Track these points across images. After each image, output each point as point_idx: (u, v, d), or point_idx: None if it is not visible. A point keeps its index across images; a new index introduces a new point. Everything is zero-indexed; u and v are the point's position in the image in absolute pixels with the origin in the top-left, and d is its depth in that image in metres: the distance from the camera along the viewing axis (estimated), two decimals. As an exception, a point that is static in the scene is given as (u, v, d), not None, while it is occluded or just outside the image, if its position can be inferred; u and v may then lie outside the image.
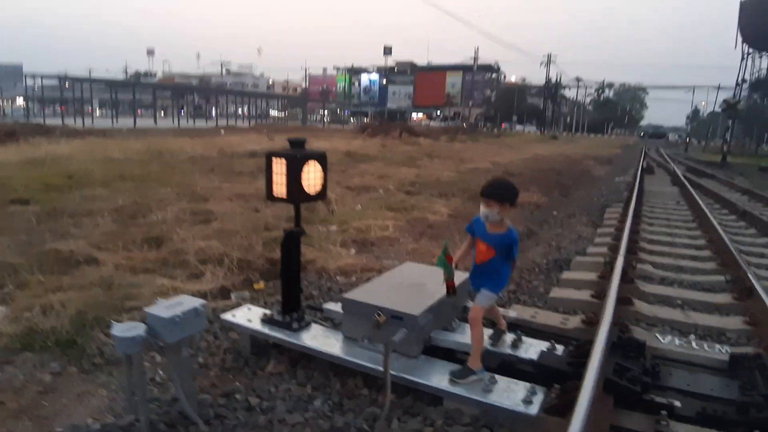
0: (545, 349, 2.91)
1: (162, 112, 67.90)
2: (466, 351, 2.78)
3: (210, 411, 2.65)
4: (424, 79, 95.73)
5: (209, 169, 12.31)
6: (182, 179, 10.41)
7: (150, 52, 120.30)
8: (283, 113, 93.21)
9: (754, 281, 4.33)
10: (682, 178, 15.31)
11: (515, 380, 2.59)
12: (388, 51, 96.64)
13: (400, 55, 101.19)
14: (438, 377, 2.62)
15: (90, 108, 49.35)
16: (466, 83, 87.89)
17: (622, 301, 3.85)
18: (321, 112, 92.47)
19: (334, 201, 8.56)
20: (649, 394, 2.57)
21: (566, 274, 4.89)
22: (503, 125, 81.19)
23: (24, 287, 4.40)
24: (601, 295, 3.94)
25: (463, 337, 2.98)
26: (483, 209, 2.73)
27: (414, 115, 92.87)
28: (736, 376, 2.87)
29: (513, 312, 3.59)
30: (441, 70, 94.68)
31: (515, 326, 3.36)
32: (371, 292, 3.08)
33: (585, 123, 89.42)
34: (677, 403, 2.52)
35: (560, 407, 2.39)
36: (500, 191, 2.73)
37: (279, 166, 3.02)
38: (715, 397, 2.67)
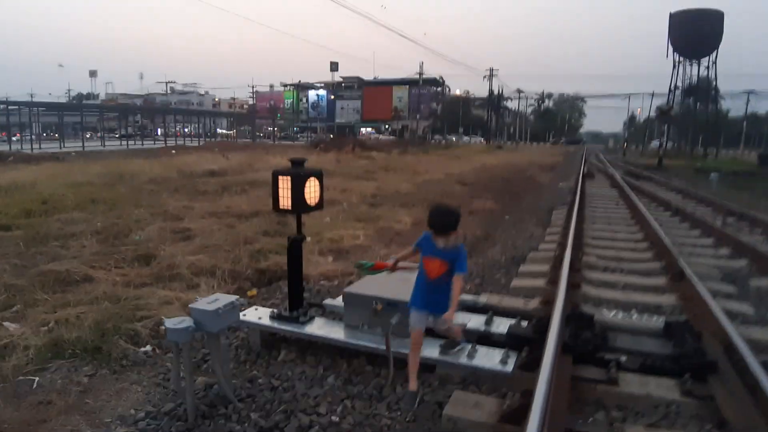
0: (513, 324, 3.54)
1: (104, 133, 66.33)
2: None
3: (241, 392, 3.14)
4: (371, 93, 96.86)
5: (174, 190, 12.53)
6: (151, 200, 10.65)
7: (92, 74, 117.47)
8: (231, 131, 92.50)
9: (685, 266, 5.09)
10: (621, 181, 16.47)
11: (492, 348, 3.19)
12: (334, 67, 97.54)
13: (346, 71, 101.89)
14: (430, 350, 3.18)
15: (32, 133, 47.82)
16: (413, 97, 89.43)
17: (572, 285, 4.53)
18: (270, 128, 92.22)
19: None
20: (600, 353, 3.22)
21: (523, 267, 5.57)
22: (449, 137, 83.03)
23: (32, 305, 4.71)
24: (554, 282, 4.60)
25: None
26: (439, 241, 2.87)
27: (363, 129, 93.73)
28: (670, 337, 3.55)
29: (483, 298, 4.21)
30: (387, 84, 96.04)
31: (487, 309, 3.97)
32: (367, 286, 3.63)
33: (527, 132, 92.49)
34: (623, 358, 3.18)
35: (530, 364, 2.99)
36: (453, 223, 2.89)
37: (285, 183, 3.54)
38: (653, 353, 3.34)
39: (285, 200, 3.57)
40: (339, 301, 3.91)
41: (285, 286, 5.23)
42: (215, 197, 11.60)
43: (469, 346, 3.17)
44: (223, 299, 2.91)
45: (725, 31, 60.23)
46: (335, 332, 3.53)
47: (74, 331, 3.99)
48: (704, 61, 61.77)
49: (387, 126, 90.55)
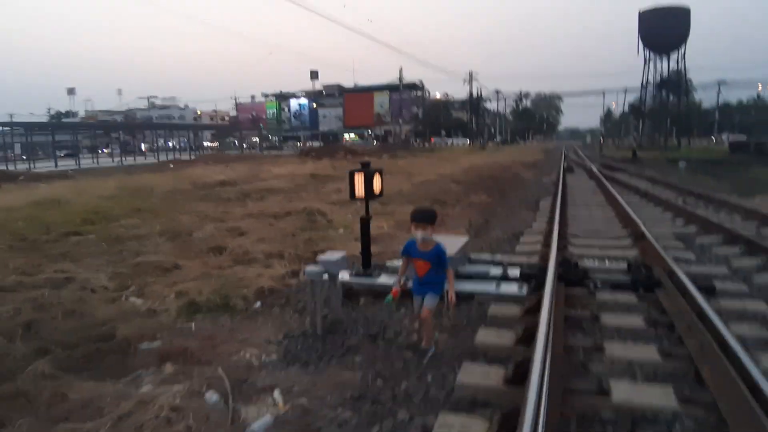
0: (522, 267, 5.10)
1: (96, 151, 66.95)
2: (479, 275, 4.90)
3: (345, 320, 4.64)
4: (352, 100, 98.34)
5: (200, 199, 13.93)
6: (186, 207, 12.05)
7: (70, 92, 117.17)
8: (214, 143, 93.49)
9: (645, 230, 6.71)
10: (598, 173, 18.23)
11: (510, 282, 4.75)
12: (314, 75, 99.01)
13: (326, 79, 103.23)
14: (470, 285, 4.72)
15: (26, 153, 48.62)
16: (394, 102, 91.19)
17: (560, 247, 6.10)
18: (254, 139, 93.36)
19: (328, 213, 10.57)
20: (583, 281, 4.79)
21: (522, 239, 7.17)
22: (432, 140, 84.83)
23: (144, 286, 6.11)
24: (547, 245, 6.17)
25: (474, 268, 5.11)
26: (418, 233, 3.59)
27: (346, 135, 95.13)
28: (630, 271, 5.13)
29: (498, 257, 5.78)
30: (368, 90, 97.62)
31: (501, 263, 5.51)
32: (331, 256, 5.12)
33: (508, 132, 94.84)
34: (599, 284, 4.75)
35: (537, 288, 4.54)
36: (430, 216, 3.66)
37: (359, 178, 5.05)
38: (619, 280, 4.92)
39: (359, 191, 5.08)
40: (394, 262, 5.43)
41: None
42: (240, 203, 13.01)
43: (496, 281, 4.73)
44: (337, 254, 4.43)
45: (693, 26, 63.10)
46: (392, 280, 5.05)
47: (200, 296, 5.45)
48: (674, 56, 64.64)
49: (370, 132, 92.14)
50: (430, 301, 3.67)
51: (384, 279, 5.14)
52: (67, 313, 4.98)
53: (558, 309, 3.96)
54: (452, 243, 5.08)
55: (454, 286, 3.64)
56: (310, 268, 4.24)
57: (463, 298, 4.61)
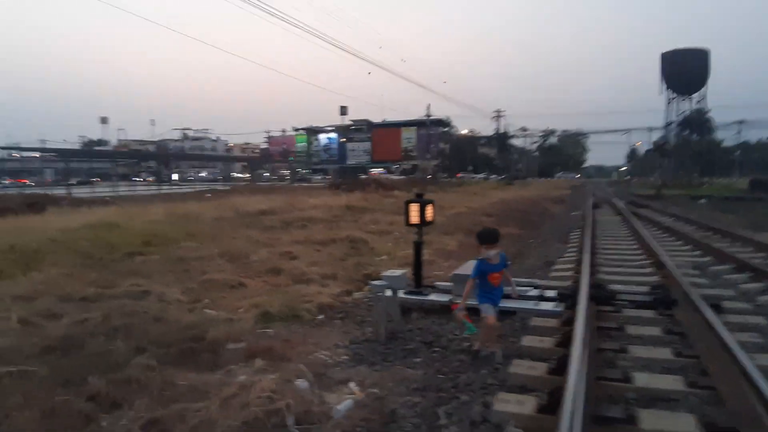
0: (559, 289, 5.77)
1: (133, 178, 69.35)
2: (519, 294, 5.59)
3: (402, 330, 5.35)
4: (380, 135, 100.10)
5: (246, 226, 14.85)
6: (235, 233, 12.95)
7: (103, 121, 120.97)
8: (245, 174, 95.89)
9: (665, 260, 7.32)
10: (624, 209, 18.75)
11: (548, 302, 5.41)
12: (344, 111, 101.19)
13: (355, 114, 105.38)
14: (512, 304, 5.40)
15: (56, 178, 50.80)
16: (421, 137, 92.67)
17: (591, 273, 6.75)
18: (283, 171, 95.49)
19: (369, 241, 11.35)
20: (611, 301, 5.44)
21: (555, 267, 7.82)
22: (458, 175, 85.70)
23: (215, 300, 6.90)
24: (578, 271, 6.82)
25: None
26: (491, 251, 4.27)
27: (373, 170, 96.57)
28: (652, 292, 5.76)
29: (535, 281, 6.45)
30: (396, 126, 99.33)
31: (539, 287, 6.18)
32: (465, 269, 5.87)
33: (537, 168, 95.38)
34: (625, 303, 5.40)
35: (571, 306, 5.20)
36: (497, 236, 4.41)
37: (414, 207, 5.83)
38: (642, 300, 5.55)
39: (415, 218, 5.85)
40: (442, 282, 6.14)
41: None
42: (283, 231, 13.88)
43: (535, 299, 5.40)
44: (398, 272, 5.18)
45: (713, 67, 63.85)
46: (445, 298, 5.77)
47: (272, 308, 6.21)
48: (695, 96, 65.35)
49: (398, 165, 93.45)
50: (493, 311, 4.39)
51: (434, 297, 5.86)
52: (154, 319, 5.77)
53: (590, 321, 4.61)
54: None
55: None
56: (376, 283, 4.98)
57: (506, 313, 5.29)
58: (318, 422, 3.56)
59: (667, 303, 5.29)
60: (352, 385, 4.18)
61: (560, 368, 3.56)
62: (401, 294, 5.88)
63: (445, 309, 5.73)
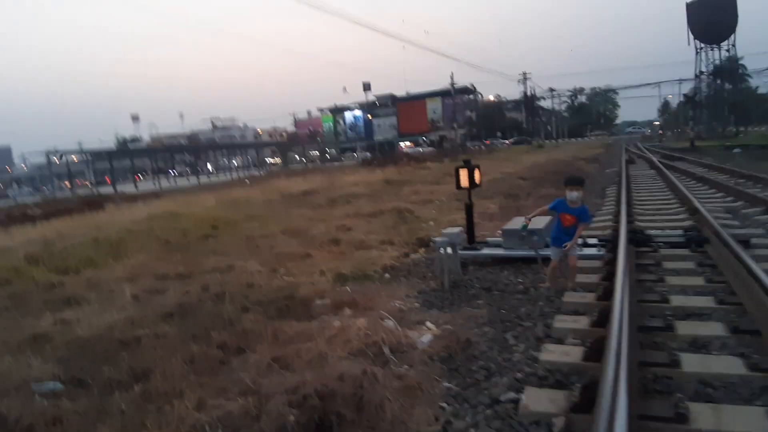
0: (600, 236, 6.44)
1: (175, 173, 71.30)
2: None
3: (464, 283, 6.11)
4: (405, 108, 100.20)
5: (294, 205, 15.78)
6: (288, 213, 13.87)
7: (135, 118, 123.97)
8: (277, 159, 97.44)
9: (698, 206, 7.88)
10: (658, 163, 19.03)
11: (592, 246, 6.10)
12: (367, 87, 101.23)
13: (378, 89, 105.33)
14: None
15: (107, 178, 52.82)
16: (447, 107, 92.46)
17: (629, 221, 7.37)
18: (312, 152, 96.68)
19: (414, 210, 12.11)
20: (648, 243, 6.09)
21: (595, 219, 8.44)
22: (487, 141, 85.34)
23: (292, 268, 7.76)
24: (617, 221, 7.45)
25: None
26: (573, 193, 4.84)
27: (401, 143, 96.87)
28: (685, 236, 6.38)
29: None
30: (420, 98, 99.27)
31: (583, 236, 6.84)
32: (514, 224, 6.58)
33: (565, 129, 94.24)
34: (661, 244, 6.04)
35: (612, 250, 5.88)
36: (581, 181, 5.06)
37: (464, 172, 6.53)
38: (676, 241, 6.18)
39: (464, 182, 6.57)
40: (493, 238, 6.87)
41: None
42: (331, 207, 14.74)
43: (581, 242, 6.10)
44: (456, 229, 5.92)
45: (740, 15, 62.13)
46: (497, 251, 6.50)
47: (345, 271, 7.04)
48: (725, 45, 63.63)
49: (425, 138, 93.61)
50: (575, 251, 5.08)
51: (486, 251, 6.59)
52: (246, 286, 6.66)
53: (630, 260, 5.29)
54: (541, 220, 6.49)
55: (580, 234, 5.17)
56: (438, 239, 5.74)
57: (549, 261, 5.99)
58: (407, 351, 4.36)
59: (699, 242, 5.92)
60: (428, 323, 4.95)
61: (606, 295, 4.27)
62: (461, 252, 6.65)
63: (497, 261, 6.48)
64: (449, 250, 5.87)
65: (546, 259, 5.83)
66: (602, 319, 3.80)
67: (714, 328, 3.69)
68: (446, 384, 3.66)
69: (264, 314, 5.54)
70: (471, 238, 6.74)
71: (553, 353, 3.40)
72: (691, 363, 3.10)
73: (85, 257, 8.99)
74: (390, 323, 4.88)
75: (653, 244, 6.04)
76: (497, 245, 6.78)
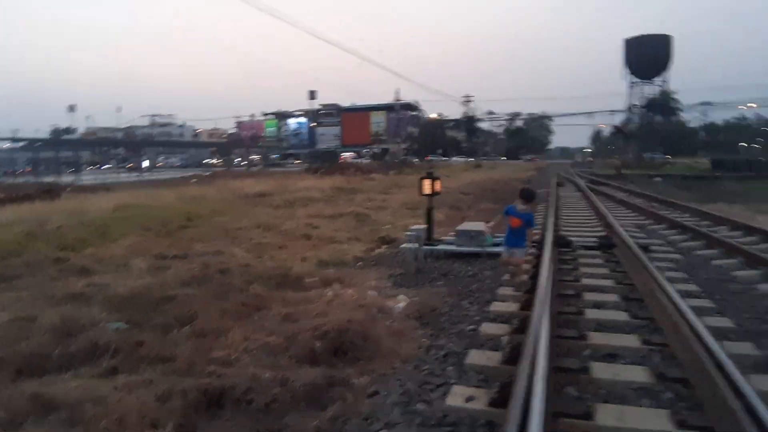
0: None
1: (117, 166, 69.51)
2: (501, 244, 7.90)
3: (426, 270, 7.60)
4: (350, 119, 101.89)
5: (253, 205, 16.85)
6: (251, 211, 14.97)
7: (71, 109, 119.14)
8: (216, 159, 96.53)
9: (613, 221, 9.74)
10: (585, 187, 21.36)
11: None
12: (313, 95, 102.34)
13: (324, 98, 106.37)
14: (497, 249, 7.70)
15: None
16: (391, 121, 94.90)
17: (555, 230, 9.11)
18: (253, 156, 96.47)
19: (371, 215, 13.57)
20: (569, 246, 7.80)
21: (528, 228, 10.17)
22: (427, 158, 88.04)
23: (274, 256, 9.01)
24: (545, 228, 9.18)
25: (498, 240, 8.11)
26: (522, 205, 5.84)
27: (343, 154, 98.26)
28: (598, 241, 8.14)
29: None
30: (365, 110, 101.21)
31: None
32: (467, 226, 8.13)
33: (503, 150, 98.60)
34: (577, 246, 7.77)
35: (539, 248, 7.54)
36: (532, 196, 6.11)
37: (428, 182, 8.05)
38: (591, 245, 7.93)
39: (428, 190, 8.08)
40: (448, 236, 8.42)
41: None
42: (291, 209, 15.94)
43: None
44: (422, 226, 7.41)
45: (677, 52, 67.95)
46: (450, 247, 8.04)
47: (324, 258, 8.38)
48: (658, 80, 69.27)
49: (367, 150, 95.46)
50: (521, 253, 6.26)
51: (442, 247, 8.13)
52: (243, 266, 7.88)
53: (553, 256, 6.94)
54: (479, 225, 8.09)
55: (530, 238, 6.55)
56: (410, 232, 7.21)
57: (492, 256, 7.59)
58: (389, 313, 5.78)
59: (608, 246, 7.67)
60: (400, 296, 6.40)
61: (534, 276, 5.85)
62: (423, 247, 8.14)
63: (450, 256, 8.02)
64: (416, 243, 7.36)
65: (492, 255, 7.41)
66: (531, 290, 5.37)
67: (611, 297, 5.34)
68: (422, 331, 5.11)
69: (267, 286, 6.78)
70: (430, 236, 8.25)
71: (499, 307, 4.94)
72: (593, 314, 4.72)
73: (78, 237, 9.86)
74: (373, 293, 6.31)
75: (572, 246, 7.74)
76: (451, 243, 8.32)
